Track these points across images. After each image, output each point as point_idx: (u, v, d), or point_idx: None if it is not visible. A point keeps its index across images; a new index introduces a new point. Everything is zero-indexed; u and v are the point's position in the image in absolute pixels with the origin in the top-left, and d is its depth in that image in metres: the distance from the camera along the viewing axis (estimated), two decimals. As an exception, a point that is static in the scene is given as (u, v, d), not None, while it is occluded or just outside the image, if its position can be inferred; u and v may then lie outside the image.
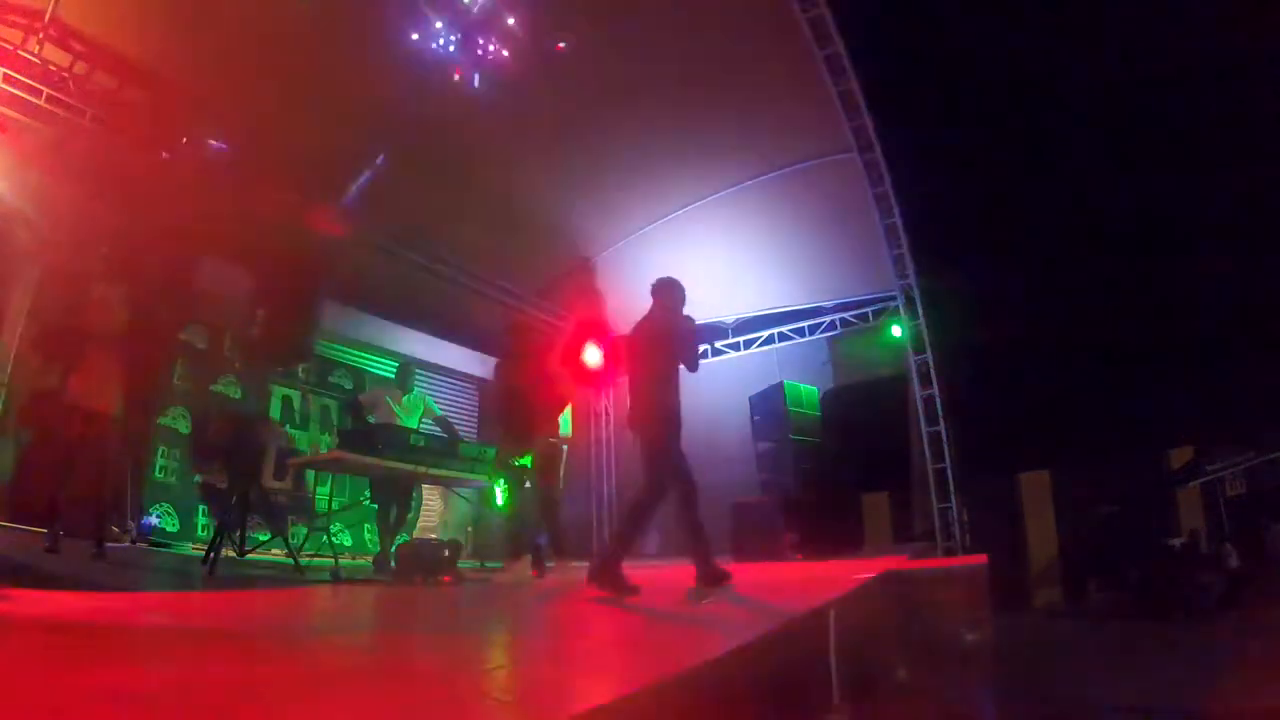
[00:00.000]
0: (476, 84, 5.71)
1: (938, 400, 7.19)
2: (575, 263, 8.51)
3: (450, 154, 6.54)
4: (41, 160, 4.75)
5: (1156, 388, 8.15)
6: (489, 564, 6.19)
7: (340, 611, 2.93)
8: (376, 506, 5.39)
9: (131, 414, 4.40)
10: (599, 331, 8.26)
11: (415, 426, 5.35)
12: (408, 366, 5.92)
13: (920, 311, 7.41)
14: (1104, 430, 8.29)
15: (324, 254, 6.61)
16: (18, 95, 4.79)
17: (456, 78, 5.66)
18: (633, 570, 4.43)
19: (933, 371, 7.29)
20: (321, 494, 6.67)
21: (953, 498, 6.96)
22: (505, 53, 5.72)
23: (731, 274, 8.41)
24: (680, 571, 5.25)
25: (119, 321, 4.18)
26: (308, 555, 4.89)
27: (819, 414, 7.69)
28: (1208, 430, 7.80)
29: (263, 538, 5.03)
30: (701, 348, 7.49)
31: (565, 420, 7.56)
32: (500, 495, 5.53)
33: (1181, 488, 7.89)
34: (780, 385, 7.58)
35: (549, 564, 4.87)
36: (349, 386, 7.58)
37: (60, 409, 3.90)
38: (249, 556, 4.43)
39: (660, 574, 5.20)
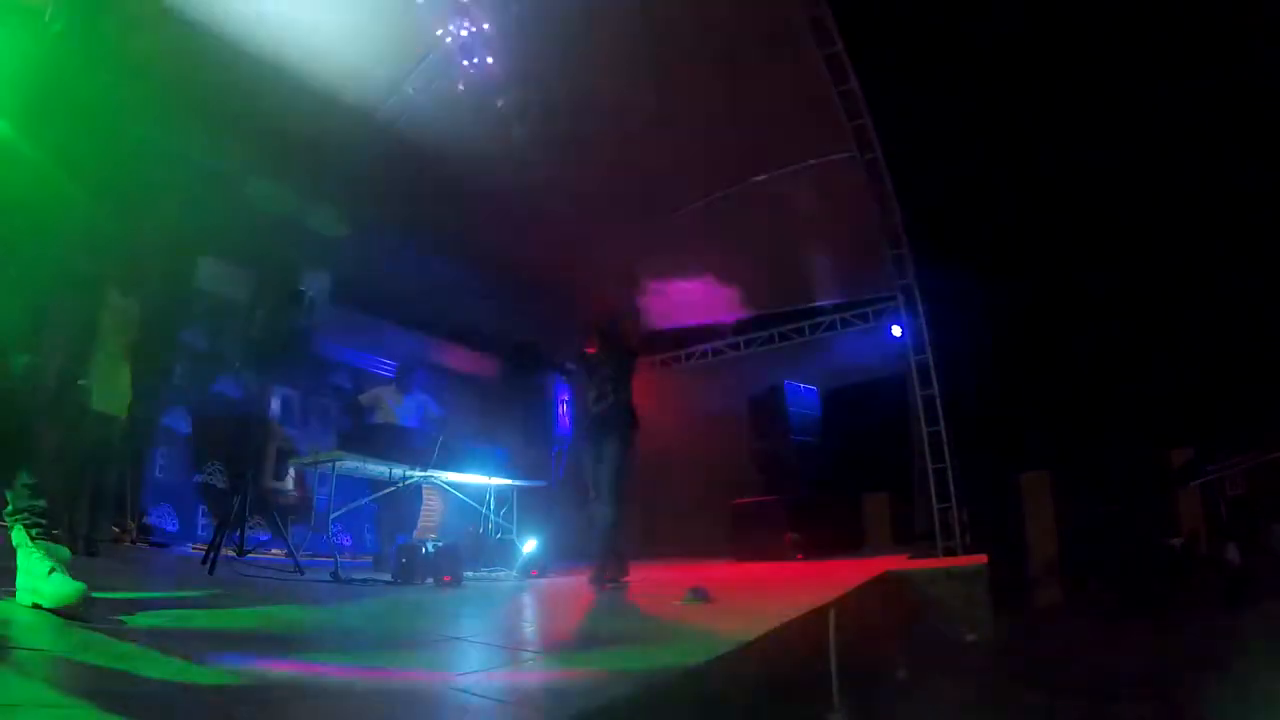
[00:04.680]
0: (473, 73, 5.70)
1: (938, 400, 7.19)
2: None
3: (448, 154, 6.55)
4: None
5: (1156, 388, 8.13)
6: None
7: (340, 612, 2.93)
8: (376, 506, 5.39)
9: (136, 415, 4.41)
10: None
11: (415, 427, 5.35)
12: (408, 366, 5.93)
13: (920, 311, 7.41)
14: (1104, 430, 8.28)
15: (324, 254, 6.62)
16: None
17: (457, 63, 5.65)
18: (632, 572, 4.42)
19: (933, 371, 7.29)
20: (321, 494, 6.67)
21: (953, 498, 6.96)
22: (498, 39, 5.71)
23: (732, 274, 8.41)
24: (677, 572, 5.26)
25: (129, 324, 4.21)
26: (308, 555, 4.89)
27: (819, 414, 7.70)
28: (1208, 430, 7.80)
29: (263, 538, 5.03)
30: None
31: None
32: None
33: (1181, 488, 7.89)
34: (780, 385, 7.58)
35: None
36: (349, 386, 7.58)
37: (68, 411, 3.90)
38: (249, 556, 4.43)
39: (659, 574, 5.20)
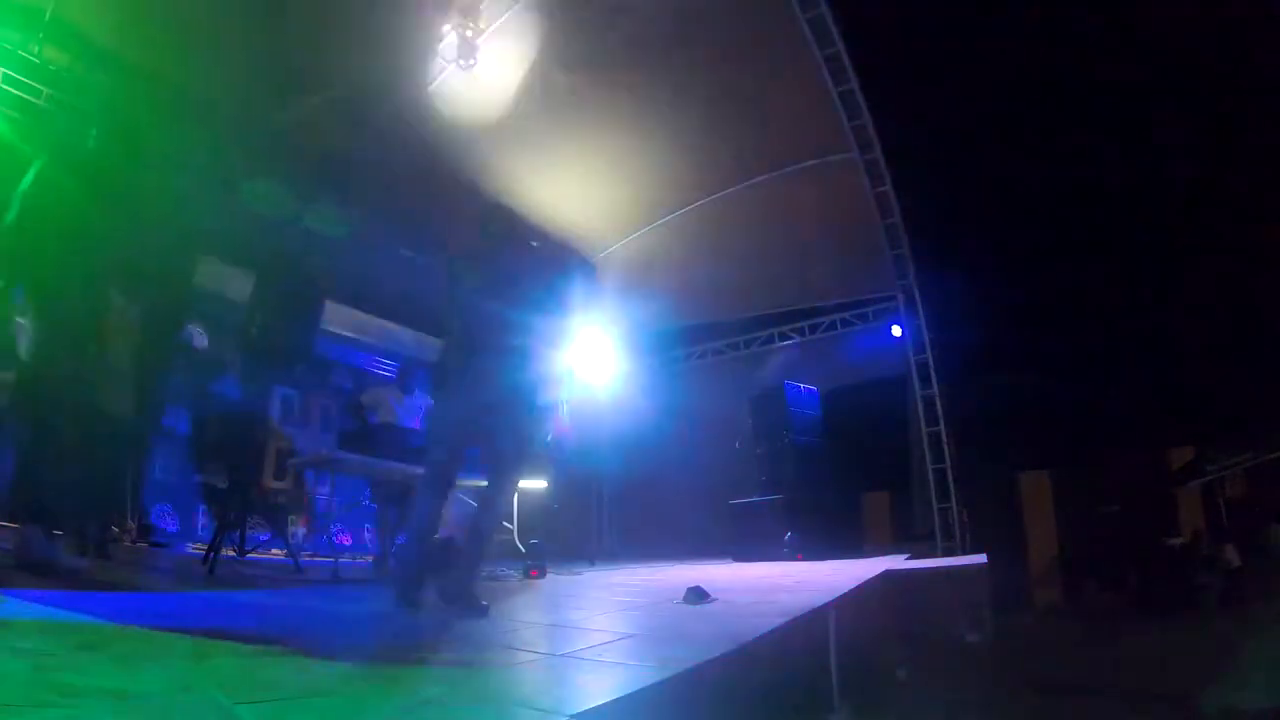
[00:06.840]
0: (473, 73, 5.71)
1: (938, 400, 7.19)
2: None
3: (448, 154, 6.55)
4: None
5: (1156, 388, 8.14)
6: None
7: (339, 612, 2.93)
8: (376, 506, 5.39)
9: (136, 415, 4.41)
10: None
11: (416, 427, 5.35)
12: (409, 367, 5.92)
13: (920, 311, 7.41)
14: (1104, 430, 8.28)
15: (324, 254, 6.61)
16: (18, 95, 4.79)
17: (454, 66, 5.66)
18: (632, 572, 4.41)
19: (933, 371, 7.30)
20: (321, 494, 6.67)
21: (953, 498, 6.96)
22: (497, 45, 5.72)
23: (732, 274, 8.41)
24: (678, 572, 5.26)
25: (128, 322, 4.20)
26: (308, 555, 4.89)
27: (819, 414, 7.69)
28: (1208, 430, 7.80)
29: (263, 538, 5.03)
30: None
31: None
32: None
33: (1181, 488, 7.89)
34: (780, 386, 7.58)
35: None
36: (349, 386, 7.57)
37: (69, 409, 3.90)
38: (249, 556, 4.43)
39: (658, 575, 5.20)
